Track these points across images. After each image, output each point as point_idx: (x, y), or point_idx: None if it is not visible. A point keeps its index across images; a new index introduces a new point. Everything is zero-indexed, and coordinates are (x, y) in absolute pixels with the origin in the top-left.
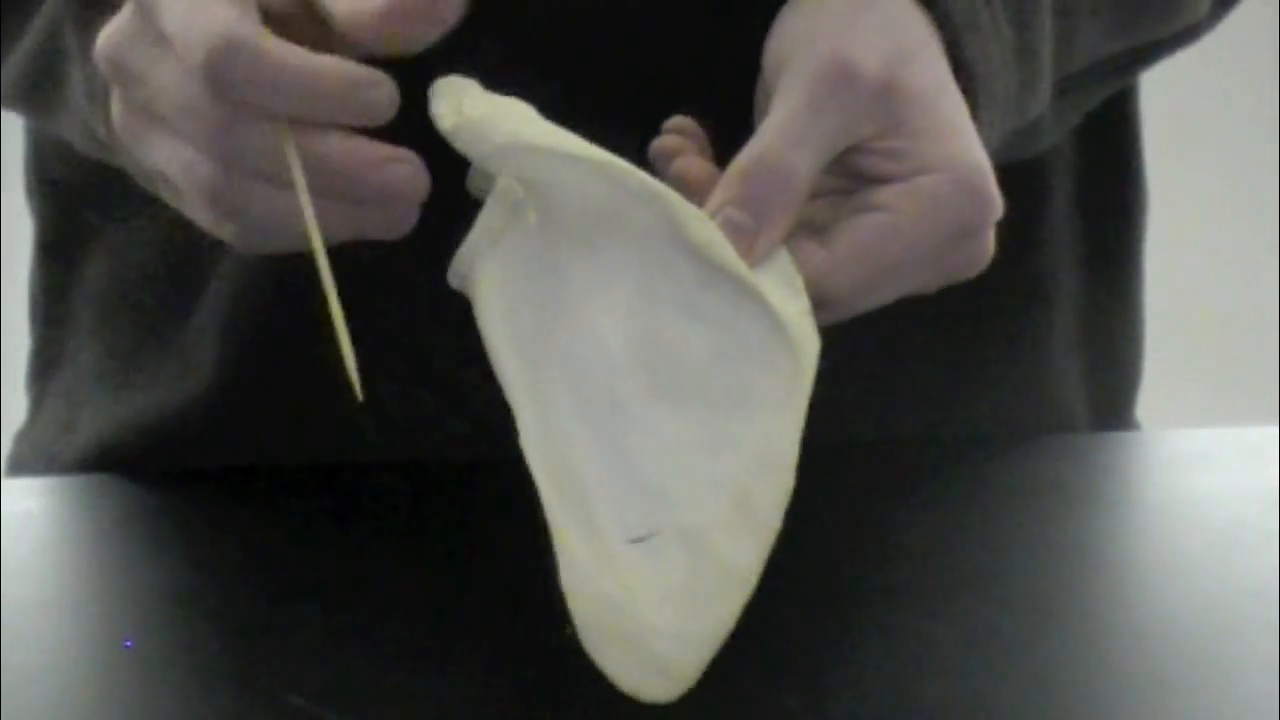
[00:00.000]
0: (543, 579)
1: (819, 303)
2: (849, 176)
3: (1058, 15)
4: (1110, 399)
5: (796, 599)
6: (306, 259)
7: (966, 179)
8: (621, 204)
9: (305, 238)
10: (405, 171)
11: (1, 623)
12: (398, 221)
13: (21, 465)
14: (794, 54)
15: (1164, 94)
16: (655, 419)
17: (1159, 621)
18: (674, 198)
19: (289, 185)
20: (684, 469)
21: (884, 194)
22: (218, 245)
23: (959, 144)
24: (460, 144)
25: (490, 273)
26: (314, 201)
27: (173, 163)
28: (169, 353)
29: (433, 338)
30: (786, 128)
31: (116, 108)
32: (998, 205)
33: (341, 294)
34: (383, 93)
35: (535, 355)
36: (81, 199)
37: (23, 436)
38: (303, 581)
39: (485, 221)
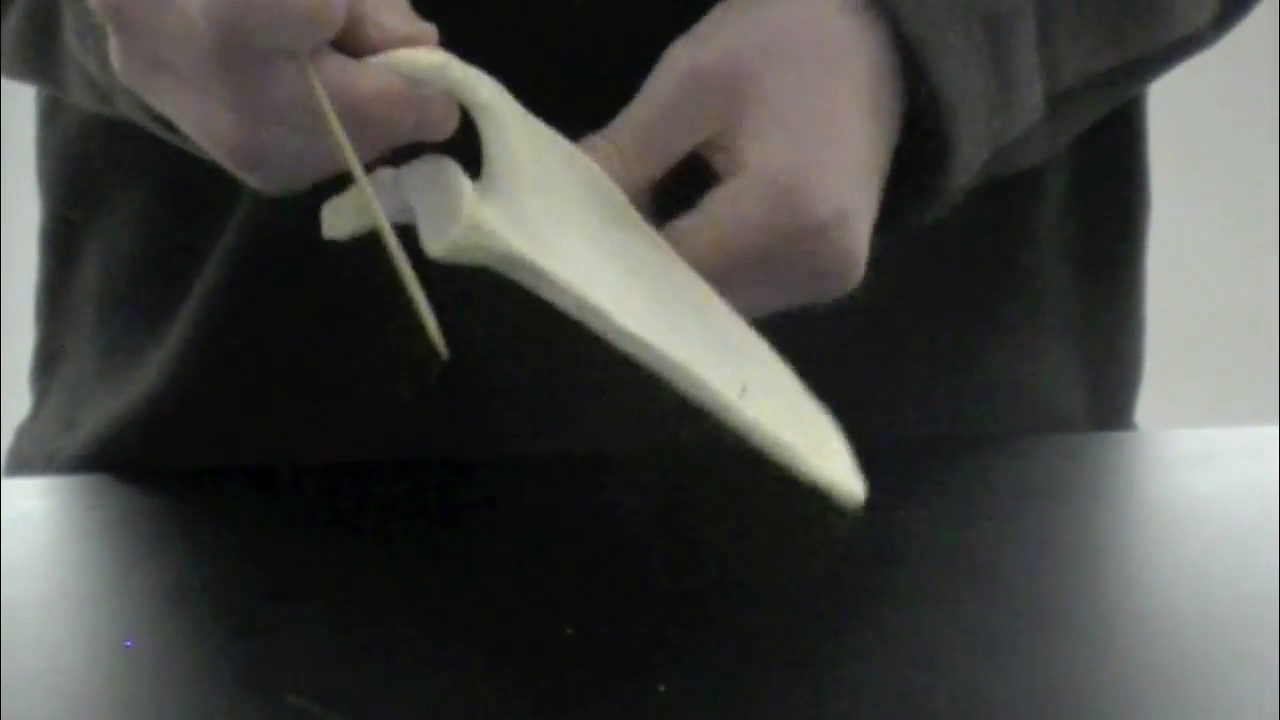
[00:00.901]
0: (543, 579)
1: None
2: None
3: (1041, 28)
4: (1110, 399)
5: (796, 598)
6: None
7: (775, 179)
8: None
9: (334, 172)
10: (440, 109)
11: (1, 623)
12: (437, 130)
13: (22, 461)
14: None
15: (1165, 93)
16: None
17: (1159, 621)
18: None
19: (316, 130)
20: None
21: (707, 198)
22: (208, 238)
23: (782, 143)
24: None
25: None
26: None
27: (187, 116)
28: (162, 346)
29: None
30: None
31: (118, 57)
32: (816, 209)
33: (338, 295)
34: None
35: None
36: (70, 197)
37: (24, 431)
38: (303, 581)
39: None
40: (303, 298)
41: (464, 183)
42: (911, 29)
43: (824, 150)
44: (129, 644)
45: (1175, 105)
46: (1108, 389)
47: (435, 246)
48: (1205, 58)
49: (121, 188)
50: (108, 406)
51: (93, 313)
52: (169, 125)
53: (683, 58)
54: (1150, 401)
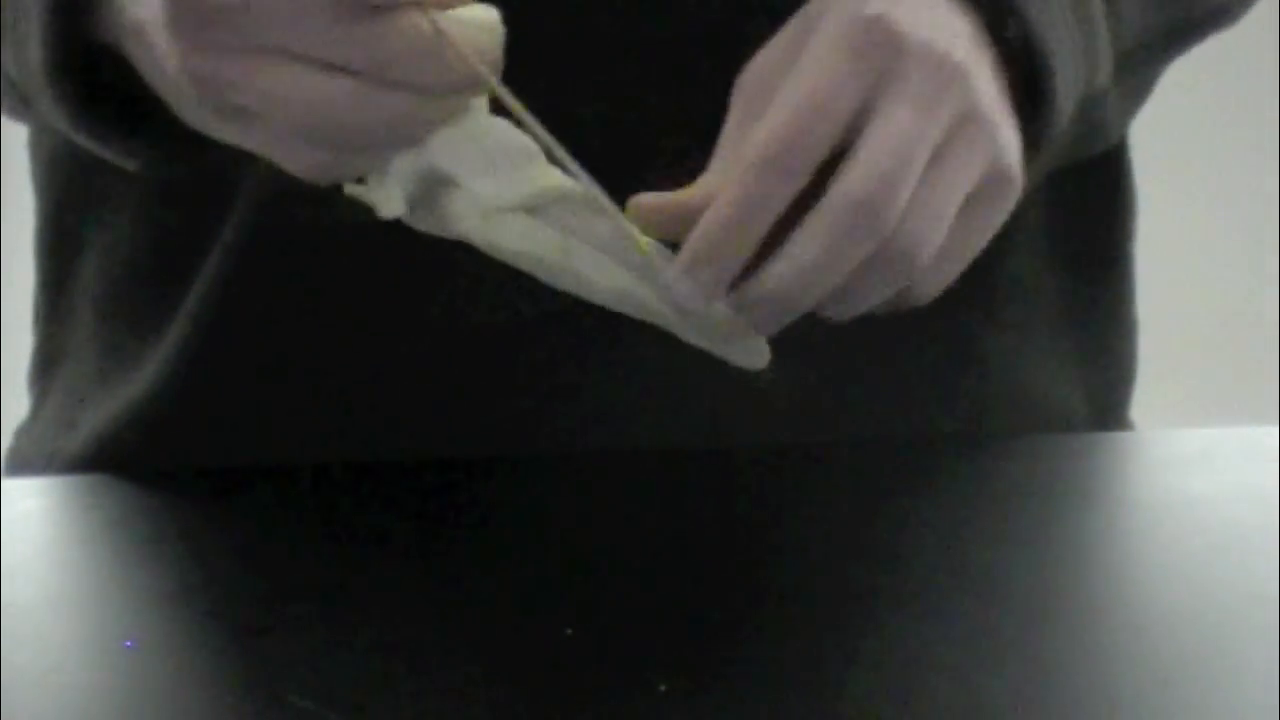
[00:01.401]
0: (543, 579)
1: (788, 185)
2: None
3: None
4: (1105, 397)
5: (796, 599)
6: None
7: (838, 16)
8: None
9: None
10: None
11: (1, 623)
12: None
13: (21, 461)
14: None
15: (1165, 93)
16: None
17: (1158, 621)
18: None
19: (434, 83)
20: None
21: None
22: (206, 238)
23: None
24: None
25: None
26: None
27: (296, 99)
28: (160, 346)
29: (432, 339)
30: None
31: (179, 54)
32: (897, 20)
33: (338, 294)
34: None
35: None
36: (66, 198)
37: (23, 432)
38: (303, 581)
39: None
40: (302, 297)
41: (525, 139)
42: None
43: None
44: (129, 644)
45: (1176, 105)
46: (1102, 387)
47: (500, 198)
48: (1206, 56)
49: (118, 188)
50: (107, 406)
51: (91, 313)
52: (94, 133)
53: (740, 76)
54: (1149, 401)
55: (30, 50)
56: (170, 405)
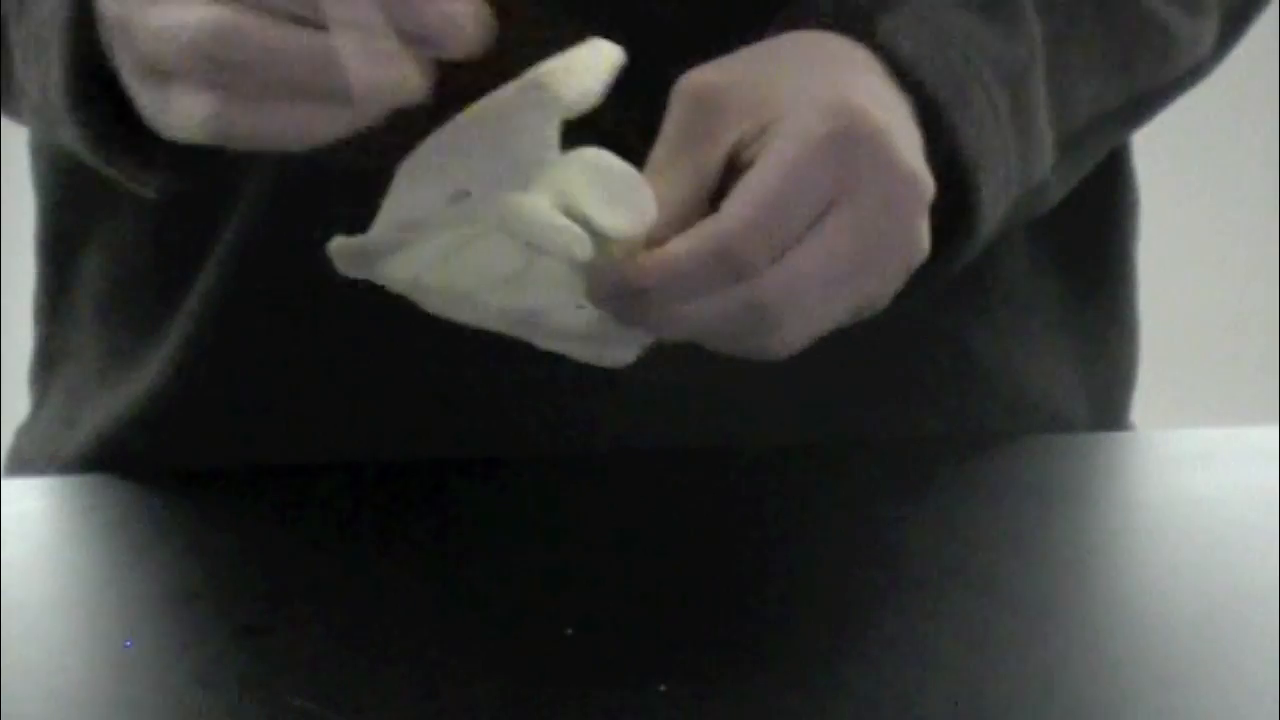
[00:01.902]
0: (543, 579)
1: (735, 273)
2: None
3: (1051, 75)
4: (1106, 398)
5: (795, 599)
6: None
7: (827, 99)
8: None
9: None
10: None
11: (1, 623)
12: (466, 44)
13: (22, 461)
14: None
15: None
16: None
17: (1158, 621)
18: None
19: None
20: None
21: (764, 148)
22: (207, 238)
23: (820, 81)
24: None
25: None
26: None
27: (175, 20)
28: (162, 346)
29: (431, 338)
30: None
31: (128, 68)
32: (873, 114)
33: (338, 294)
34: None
35: None
36: (67, 199)
37: (24, 432)
38: (303, 581)
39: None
40: (303, 297)
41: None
42: (932, 90)
43: (854, 86)
44: (129, 644)
45: (1175, 105)
46: (1103, 389)
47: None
48: None
49: (119, 187)
50: (108, 405)
51: (92, 313)
52: (107, 158)
53: (683, 82)
54: (1149, 401)
55: (50, 73)
56: (171, 405)
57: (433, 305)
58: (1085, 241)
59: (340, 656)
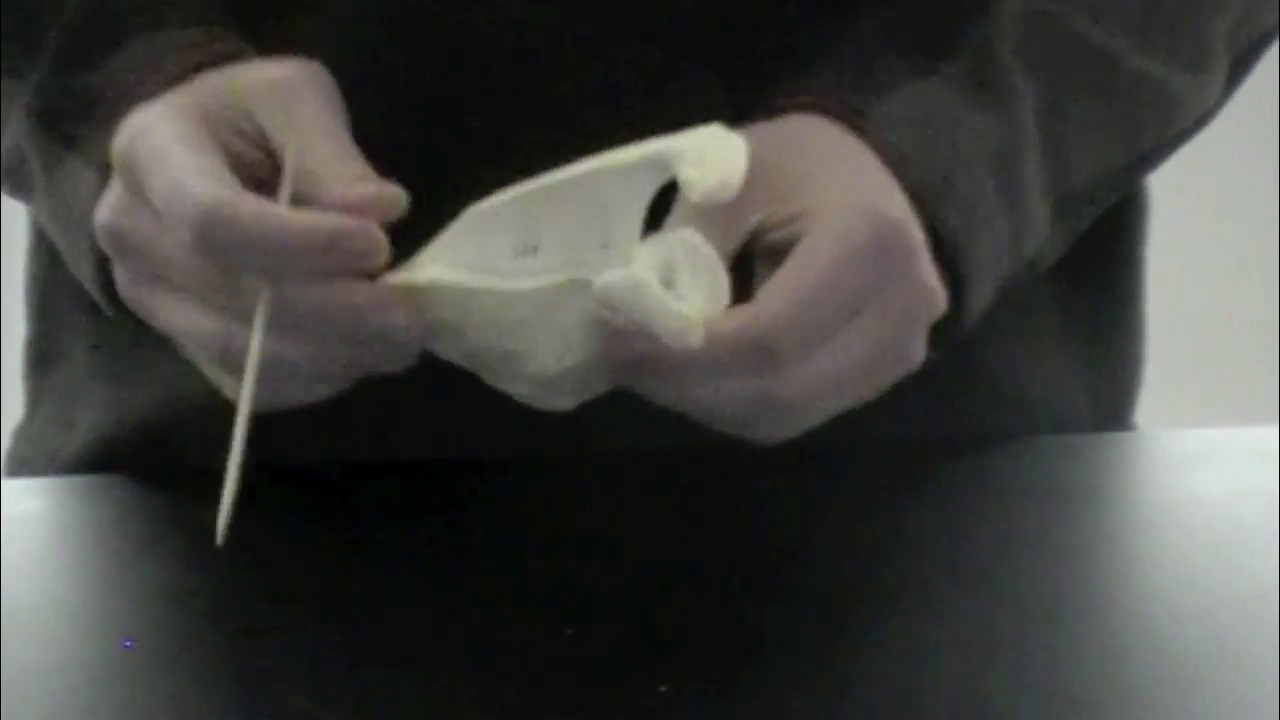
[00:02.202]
0: (543, 579)
1: (763, 365)
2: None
3: (1044, 148)
4: (1112, 402)
5: (796, 599)
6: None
7: (869, 207)
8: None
9: (313, 391)
10: (400, 316)
11: (1, 623)
12: (398, 357)
13: (22, 462)
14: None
15: None
16: None
17: (1159, 622)
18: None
19: (293, 336)
20: None
21: (805, 242)
22: None
23: (858, 185)
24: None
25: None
26: (316, 349)
27: (179, 323)
28: (163, 346)
29: None
30: None
31: (121, 277)
32: (914, 233)
33: None
34: (363, 242)
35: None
36: None
37: (21, 433)
38: (303, 581)
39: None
40: None
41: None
42: (919, 181)
43: (887, 188)
44: (129, 644)
45: None
46: (1109, 391)
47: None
48: None
49: None
50: (108, 407)
51: (84, 311)
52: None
53: None
54: (1151, 401)
55: (80, 264)
56: (172, 407)
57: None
58: (1094, 245)
59: (340, 656)
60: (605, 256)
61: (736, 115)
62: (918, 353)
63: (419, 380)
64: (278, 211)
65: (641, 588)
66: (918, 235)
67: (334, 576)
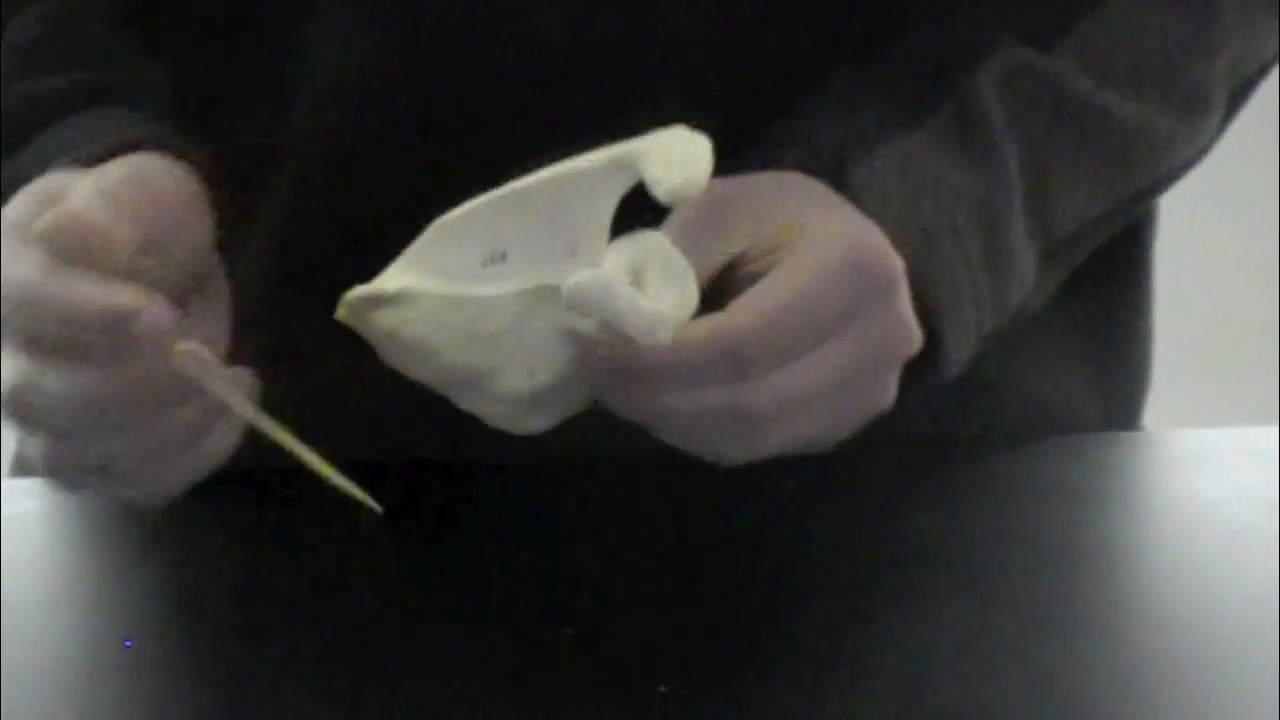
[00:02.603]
0: (543, 579)
1: (732, 373)
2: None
3: (1029, 200)
4: (1121, 406)
5: (796, 599)
6: (307, 256)
7: (852, 234)
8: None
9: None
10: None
11: (1, 623)
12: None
13: (23, 461)
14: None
15: None
16: None
17: (1159, 622)
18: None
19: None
20: None
21: (787, 263)
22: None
23: (839, 217)
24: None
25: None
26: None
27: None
28: None
29: None
30: None
31: None
32: (894, 263)
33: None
34: (141, 323)
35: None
36: None
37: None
38: (303, 581)
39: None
40: (301, 301)
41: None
42: (900, 243)
43: (870, 228)
44: (129, 644)
45: None
46: (1118, 395)
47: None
48: None
49: None
50: None
51: None
52: None
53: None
54: (1151, 402)
55: None
56: None
57: (390, 356)
58: (1103, 250)
59: (340, 656)
60: (573, 262)
61: (726, 147)
62: (889, 391)
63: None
64: (74, 285)
65: (641, 588)
66: (898, 266)
67: (334, 577)
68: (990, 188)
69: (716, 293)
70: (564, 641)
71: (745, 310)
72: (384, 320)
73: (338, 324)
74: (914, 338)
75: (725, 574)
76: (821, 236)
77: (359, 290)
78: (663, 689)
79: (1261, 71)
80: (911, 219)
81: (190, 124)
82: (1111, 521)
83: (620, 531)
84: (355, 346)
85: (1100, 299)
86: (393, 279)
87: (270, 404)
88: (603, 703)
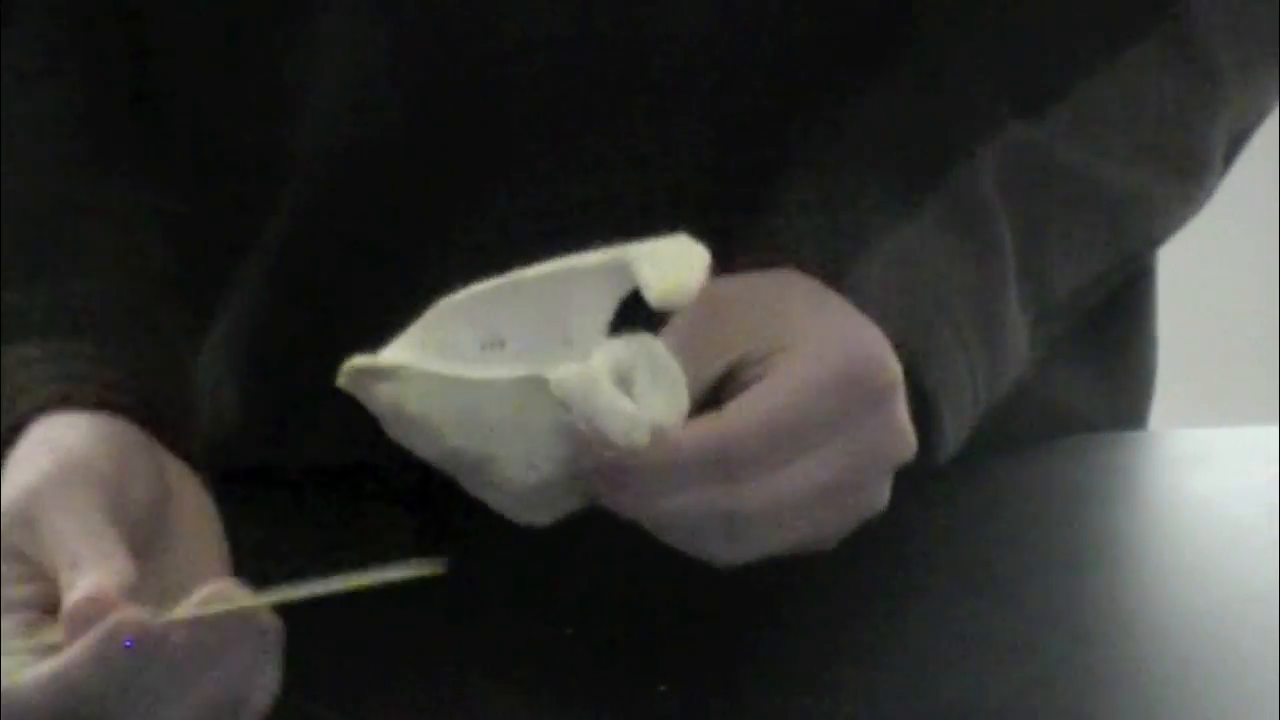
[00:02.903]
0: (543, 579)
1: (723, 475)
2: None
3: (1023, 274)
4: (1129, 411)
5: (798, 600)
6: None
7: (846, 338)
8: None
9: None
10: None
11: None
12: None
13: None
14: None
15: None
16: None
17: (1159, 621)
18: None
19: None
20: None
21: (778, 366)
22: (227, 264)
23: (834, 320)
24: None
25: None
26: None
27: None
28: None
29: None
30: None
31: None
32: (889, 366)
33: (338, 300)
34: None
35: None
36: None
37: None
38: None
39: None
40: (301, 303)
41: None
42: (901, 339)
43: (868, 328)
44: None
45: None
46: (1125, 401)
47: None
48: None
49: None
50: None
51: None
52: None
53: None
54: (1153, 401)
55: None
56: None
57: (395, 430)
58: None
59: (340, 656)
60: (568, 354)
61: (730, 150)
62: (882, 495)
63: None
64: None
65: (641, 588)
66: (895, 372)
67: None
68: (988, 275)
69: (714, 395)
70: (564, 641)
71: (738, 414)
72: (386, 394)
73: (338, 327)
74: (908, 444)
75: (725, 574)
76: (818, 342)
77: (357, 360)
78: (663, 689)
79: (1259, 119)
80: (912, 315)
81: (188, 135)
82: (1112, 521)
83: (621, 531)
84: (356, 350)
85: (1105, 305)
86: (391, 354)
87: (269, 402)
88: (603, 703)
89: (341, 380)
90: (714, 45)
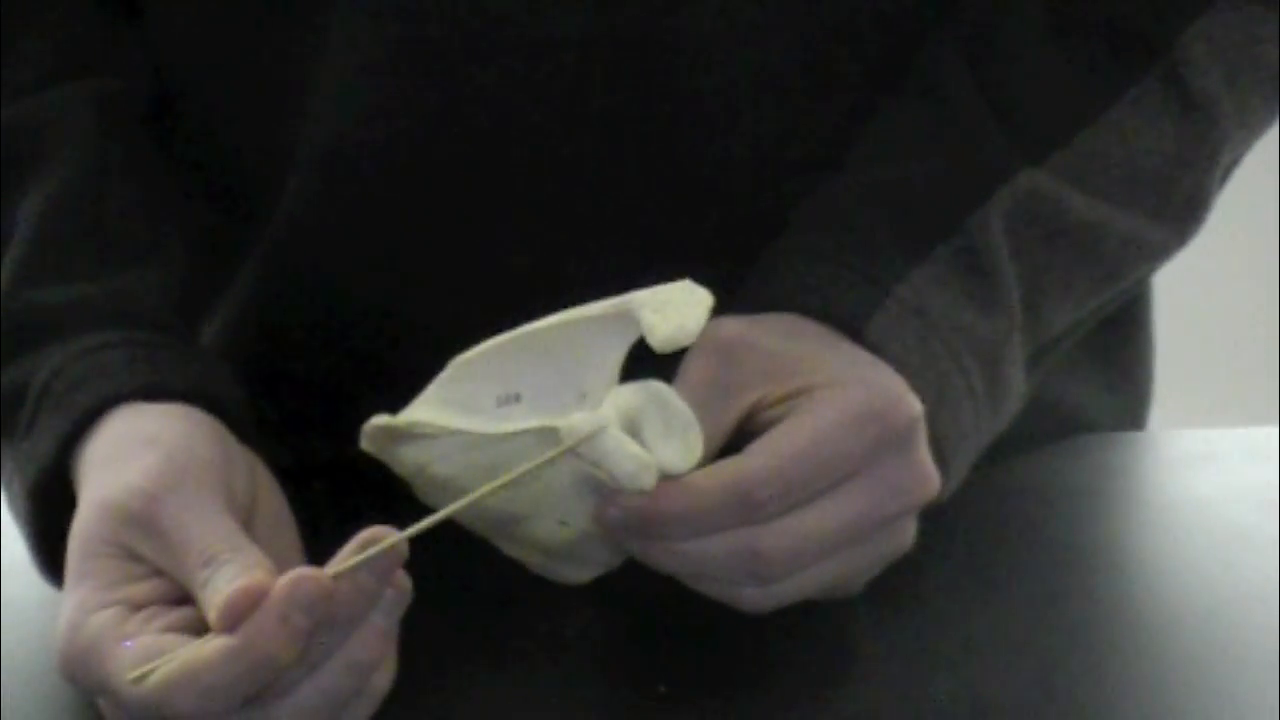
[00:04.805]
0: (543, 579)
1: (746, 516)
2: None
3: (1026, 318)
4: (1131, 409)
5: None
6: (308, 259)
7: (869, 381)
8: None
9: None
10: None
11: (1, 623)
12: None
13: None
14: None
15: None
16: None
17: (1160, 622)
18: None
19: None
20: None
21: (801, 406)
22: (227, 262)
23: (852, 363)
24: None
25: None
26: None
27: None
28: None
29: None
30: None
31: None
32: (913, 407)
33: (339, 302)
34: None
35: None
36: None
37: None
38: None
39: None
40: (301, 305)
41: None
42: (917, 390)
43: (886, 369)
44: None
45: None
46: (1128, 401)
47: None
48: None
49: None
50: None
51: None
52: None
53: (711, 330)
54: (1152, 401)
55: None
56: None
57: (422, 491)
58: None
59: None
60: (581, 405)
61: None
62: (907, 535)
63: (421, 380)
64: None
65: (641, 588)
66: (917, 410)
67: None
68: (995, 324)
69: (734, 440)
70: (564, 641)
71: (759, 454)
72: (409, 456)
73: (336, 326)
74: (932, 482)
75: None
76: (839, 382)
77: (377, 420)
78: (663, 689)
79: (1249, 148)
80: (929, 365)
81: (189, 135)
82: (1112, 521)
83: None
84: (356, 350)
85: (1110, 315)
86: (411, 413)
87: (268, 402)
88: (603, 703)
89: (364, 443)
90: (736, 46)
